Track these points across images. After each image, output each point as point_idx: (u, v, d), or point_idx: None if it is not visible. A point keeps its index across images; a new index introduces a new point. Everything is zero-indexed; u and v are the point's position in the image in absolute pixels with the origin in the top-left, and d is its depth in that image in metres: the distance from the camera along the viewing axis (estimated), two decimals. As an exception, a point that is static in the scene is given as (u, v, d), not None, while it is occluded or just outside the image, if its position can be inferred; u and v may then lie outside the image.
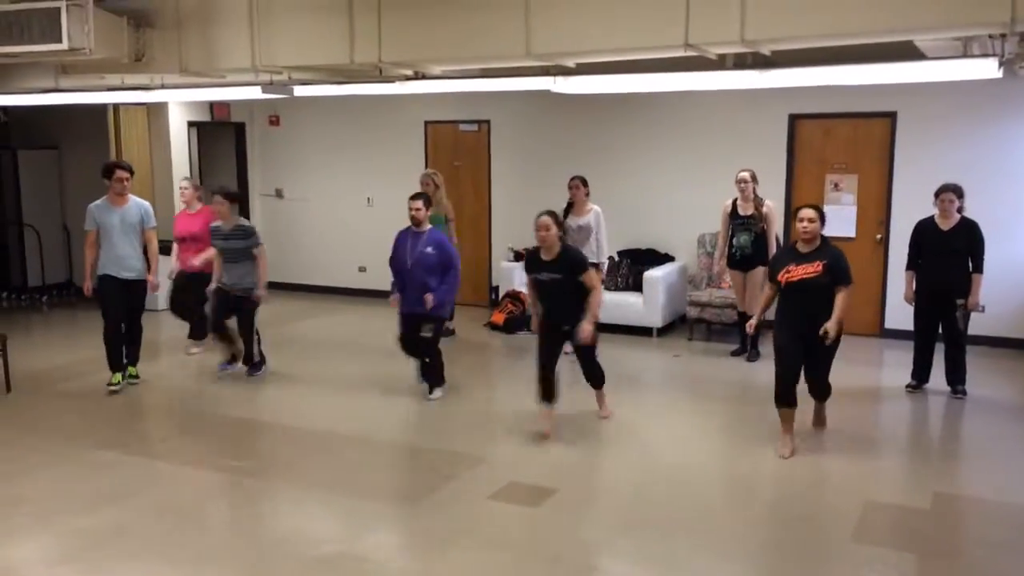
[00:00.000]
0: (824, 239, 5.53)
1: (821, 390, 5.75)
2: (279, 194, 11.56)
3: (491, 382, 7.92)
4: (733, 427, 6.17)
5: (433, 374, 6.80)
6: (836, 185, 8.80)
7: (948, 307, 6.59)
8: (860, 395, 6.88)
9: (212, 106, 11.06)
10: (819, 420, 5.96)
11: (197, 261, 7.81)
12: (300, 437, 6.03)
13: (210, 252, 7.45)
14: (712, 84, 6.20)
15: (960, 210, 6.60)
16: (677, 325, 9.16)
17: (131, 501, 4.92)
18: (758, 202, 7.77)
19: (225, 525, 4.80)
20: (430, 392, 6.77)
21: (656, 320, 8.85)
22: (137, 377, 7.16)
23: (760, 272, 7.27)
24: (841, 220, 8.75)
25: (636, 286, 9.01)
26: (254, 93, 7.19)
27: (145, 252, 6.95)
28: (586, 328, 5.69)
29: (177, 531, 4.58)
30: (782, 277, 5.44)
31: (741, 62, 5.46)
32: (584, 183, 8.08)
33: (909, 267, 6.85)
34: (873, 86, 7.78)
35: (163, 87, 7.63)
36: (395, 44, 5.44)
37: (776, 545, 4.45)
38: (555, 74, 6.17)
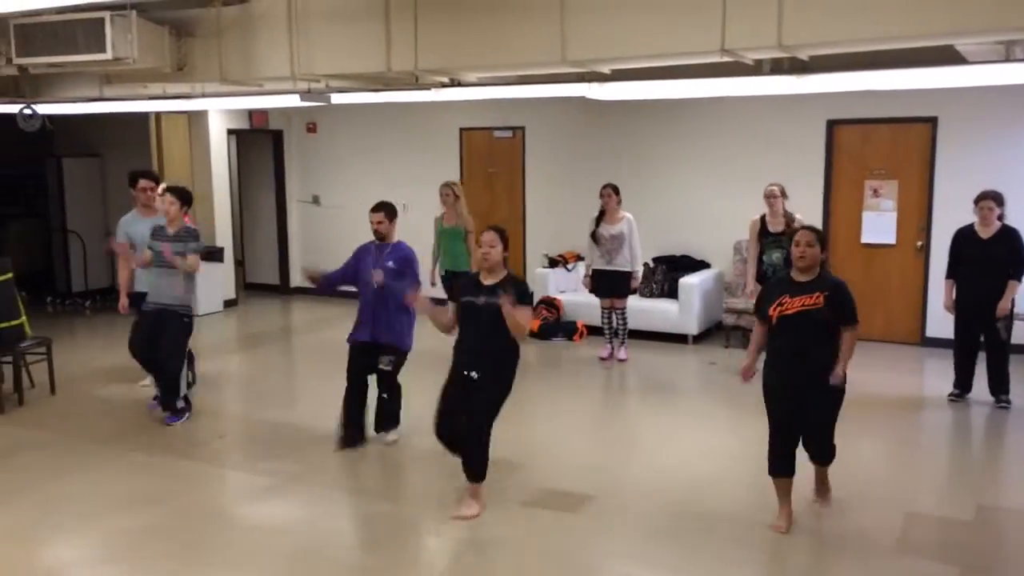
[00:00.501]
0: (824, 267, 4.59)
1: (823, 452, 4.69)
2: (316, 201, 11.67)
3: (525, 389, 7.90)
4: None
5: (391, 412, 5.95)
6: (875, 191, 8.69)
7: (989, 316, 6.46)
8: (901, 404, 6.78)
9: (251, 114, 11.22)
10: (822, 490, 4.88)
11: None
12: (325, 439, 6.06)
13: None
14: (749, 90, 6.15)
15: (1001, 218, 6.48)
16: (713, 332, 9.09)
17: (169, 503, 4.98)
18: (789, 217, 7.25)
19: (260, 528, 4.85)
20: (386, 434, 5.94)
21: (692, 327, 8.79)
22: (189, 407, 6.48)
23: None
24: (881, 227, 8.64)
25: (671, 293, 8.96)
26: (292, 101, 7.28)
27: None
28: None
29: (214, 534, 4.63)
30: (774, 311, 4.49)
31: (778, 67, 5.42)
32: (616, 191, 7.95)
33: (949, 275, 6.72)
34: (913, 91, 7.67)
35: (204, 95, 7.74)
36: (431, 52, 5.47)
37: (815, 557, 4.39)
38: (590, 80, 6.17)
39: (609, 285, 8.04)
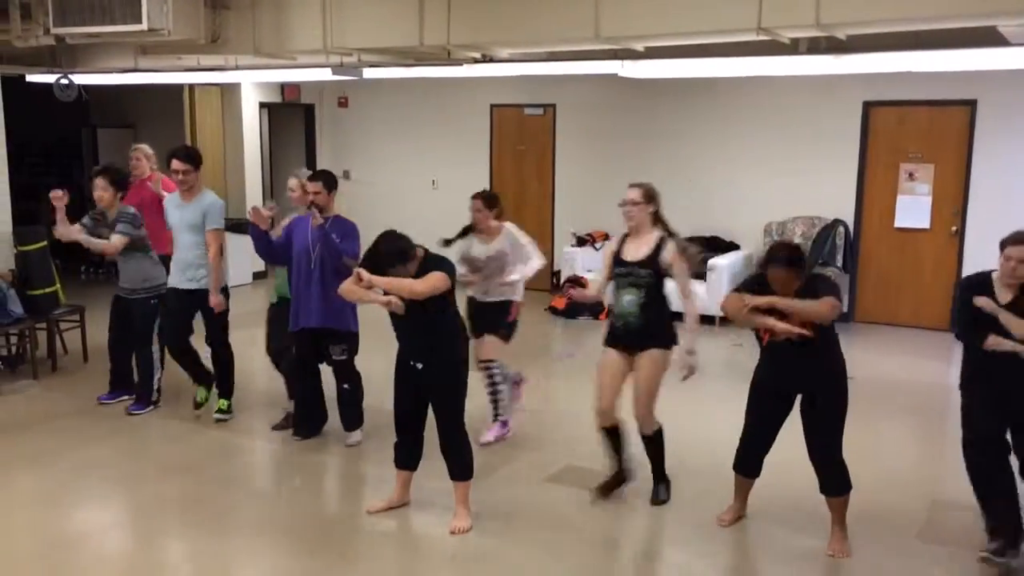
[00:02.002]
0: (811, 277, 4.13)
1: (833, 477, 4.16)
2: (346, 176, 11.71)
3: (550, 366, 7.93)
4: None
5: (352, 408, 5.46)
6: (911, 175, 8.56)
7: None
8: (929, 391, 6.71)
9: (283, 87, 11.26)
10: (839, 535, 4.19)
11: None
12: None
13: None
14: (784, 69, 6.08)
15: None
16: (740, 314, 9.03)
17: (200, 471, 5.07)
18: (660, 240, 4.57)
19: (289, 498, 4.92)
20: (349, 435, 5.48)
21: (718, 308, 8.73)
22: (228, 411, 5.92)
23: (659, 362, 4.58)
24: (915, 211, 8.53)
25: (699, 274, 8.91)
26: (324, 75, 7.30)
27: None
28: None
29: (243, 502, 4.70)
30: (764, 334, 4.18)
31: (815, 47, 5.35)
32: (489, 202, 5.49)
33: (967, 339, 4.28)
34: (952, 73, 7.52)
35: (237, 68, 7.78)
36: (464, 26, 5.45)
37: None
38: (623, 58, 6.12)
39: (482, 322, 5.49)
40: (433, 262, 4.17)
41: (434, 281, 4.06)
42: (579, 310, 9.10)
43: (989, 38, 5.07)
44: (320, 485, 5.08)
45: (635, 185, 4.62)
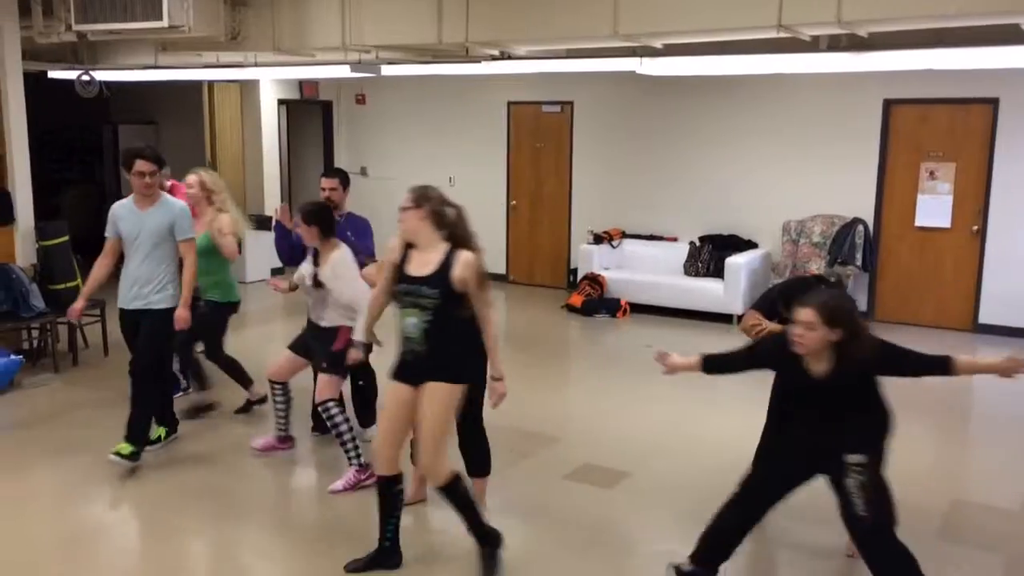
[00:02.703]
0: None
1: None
2: (363, 172, 11.75)
3: (567, 364, 7.93)
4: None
5: (367, 404, 5.43)
6: (932, 173, 8.49)
7: None
8: (950, 392, 6.66)
9: (301, 84, 11.30)
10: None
11: None
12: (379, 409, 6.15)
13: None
14: (804, 67, 6.05)
15: None
16: (758, 313, 9.00)
17: (223, 463, 5.10)
18: (448, 253, 3.71)
19: (309, 492, 4.94)
20: (365, 431, 5.32)
21: (737, 307, 8.71)
22: (123, 457, 4.83)
23: (443, 400, 3.72)
24: (936, 210, 8.46)
25: (717, 272, 8.88)
26: (343, 72, 7.33)
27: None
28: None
29: (266, 496, 4.73)
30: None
31: (835, 44, 5.32)
32: (317, 217, 4.68)
33: None
34: (974, 71, 7.47)
35: (256, 65, 7.83)
36: (483, 24, 5.46)
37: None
38: (641, 55, 6.12)
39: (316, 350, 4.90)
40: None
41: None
42: (596, 308, 9.09)
43: (1012, 36, 5.03)
44: (338, 476, 5.09)
45: (410, 190, 3.82)
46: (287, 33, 6.34)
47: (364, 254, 5.06)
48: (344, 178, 5.40)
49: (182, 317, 4.87)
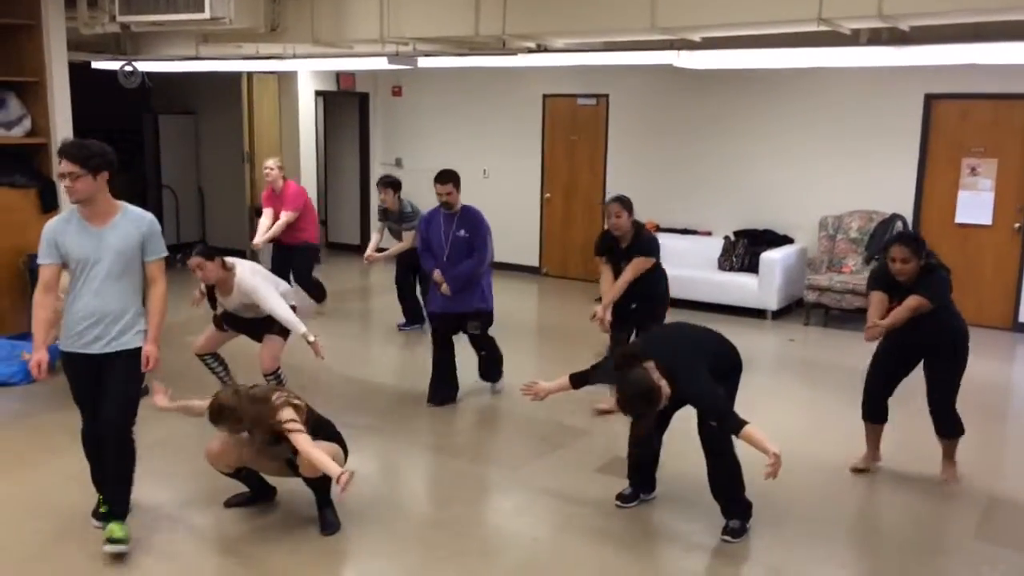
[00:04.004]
0: (927, 267, 4.61)
1: (948, 422, 4.83)
2: (398, 163, 11.82)
3: (599, 357, 7.92)
4: (849, 416, 5.99)
5: (492, 368, 6.20)
6: (973, 170, 8.37)
7: None
8: (990, 390, 6.57)
9: (338, 76, 11.39)
10: (948, 466, 4.93)
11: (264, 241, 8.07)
12: (413, 399, 6.21)
13: (279, 224, 7.82)
14: (844, 61, 5.97)
15: None
16: (793, 309, 8.94)
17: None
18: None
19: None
20: (493, 384, 6.27)
21: (771, 303, 8.66)
22: (121, 542, 3.91)
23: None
24: (977, 207, 8.34)
25: (752, 267, 8.83)
26: (380, 64, 7.38)
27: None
28: None
29: (290, 481, 4.79)
30: (885, 312, 4.67)
31: (876, 38, 5.25)
32: (209, 255, 5.25)
33: None
34: (1017, 65, 7.34)
35: (295, 56, 7.91)
36: (520, 16, 5.47)
37: (892, 538, 4.33)
38: (679, 48, 6.08)
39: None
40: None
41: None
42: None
43: (1058, 30, 4.95)
44: (373, 469, 5.15)
45: None
46: (326, 25, 6.39)
47: (478, 249, 5.76)
48: (457, 180, 5.86)
49: (153, 355, 3.95)
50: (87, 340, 3.89)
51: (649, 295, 5.89)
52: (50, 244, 3.87)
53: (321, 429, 4.21)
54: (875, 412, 4.98)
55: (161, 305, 4.03)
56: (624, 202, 5.65)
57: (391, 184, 7.84)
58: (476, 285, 5.86)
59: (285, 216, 7.98)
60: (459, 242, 5.80)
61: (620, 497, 4.54)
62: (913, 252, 4.53)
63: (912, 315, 4.52)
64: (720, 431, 4.05)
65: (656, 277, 5.90)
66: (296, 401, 4.09)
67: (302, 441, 3.91)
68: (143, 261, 3.96)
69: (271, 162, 8.14)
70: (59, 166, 3.85)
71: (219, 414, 3.99)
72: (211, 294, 5.55)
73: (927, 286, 4.55)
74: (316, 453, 3.90)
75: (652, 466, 4.57)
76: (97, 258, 3.84)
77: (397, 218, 7.83)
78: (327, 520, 4.21)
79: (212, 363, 5.86)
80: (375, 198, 11.57)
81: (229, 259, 5.34)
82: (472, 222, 5.84)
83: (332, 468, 3.86)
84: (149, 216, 4.02)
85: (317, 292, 8.55)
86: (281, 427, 3.93)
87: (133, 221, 3.95)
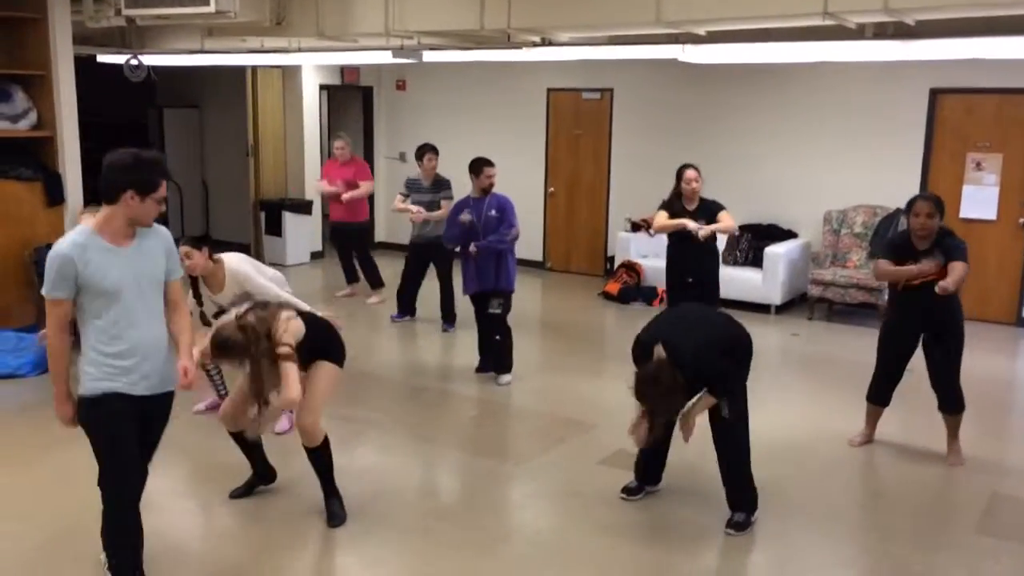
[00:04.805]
0: (942, 230, 4.84)
1: (951, 397, 5.02)
2: (402, 158, 11.82)
3: (603, 351, 7.95)
4: (852, 410, 6.01)
5: (502, 356, 6.41)
6: (978, 164, 8.35)
7: None
8: (993, 386, 6.58)
9: (343, 70, 11.39)
10: (953, 446, 5.08)
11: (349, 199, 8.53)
12: (416, 392, 6.23)
13: (359, 191, 8.48)
14: (850, 55, 5.99)
15: None
16: (797, 303, 8.94)
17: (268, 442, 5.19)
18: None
19: (338, 471, 5.02)
20: (499, 377, 6.39)
21: (775, 297, 8.66)
22: None
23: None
24: (981, 201, 8.33)
25: (756, 262, 8.83)
26: (385, 58, 7.39)
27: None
28: None
29: (293, 475, 4.81)
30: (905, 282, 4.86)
31: (881, 32, 5.26)
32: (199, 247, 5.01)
33: None
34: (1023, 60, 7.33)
35: (299, 50, 7.91)
36: (524, 10, 5.48)
37: (894, 531, 4.34)
38: (684, 42, 6.09)
39: None
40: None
41: None
42: (632, 296, 9.10)
43: (1065, 24, 4.94)
44: (373, 461, 5.17)
45: None
46: (331, 19, 6.40)
47: (506, 231, 6.24)
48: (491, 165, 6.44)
49: (192, 369, 3.47)
50: (134, 378, 3.29)
51: (712, 276, 6.44)
52: (64, 276, 3.16)
53: (319, 335, 4.22)
54: (881, 395, 5.19)
55: (190, 324, 3.57)
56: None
57: (435, 149, 7.96)
58: (504, 264, 6.26)
59: (365, 186, 8.63)
60: (491, 221, 6.26)
61: (626, 490, 4.55)
62: (936, 208, 4.75)
63: (957, 286, 4.66)
64: (730, 410, 4.12)
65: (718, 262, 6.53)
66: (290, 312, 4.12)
67: (288, 368, 3.91)
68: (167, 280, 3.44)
69: (340, 142, 8.82)
70: (159, 191, 3.32)
71: (223, 344, 3.92)
72: (195, 289, 5.21)
73: (952, 250, 4.73)
74: (293, 378, 3.90)
75: (660, 463, 4.57)
76: (131, 284, 3.25)
77: (433, 187, 7.83)
78: (333, 512, 4.24)
79: (212, 371, 5.50)
80: (380, 192, 11.59)
81: (217, 254, 5.06)
82: (501, 203, 6.32)
83: (293, 395, 3.89)
84: (164, 229, 3.48)
85: (376, 276, 8.89)
86: (279, 338, 3.91)
87: (155, 236, 3.40)
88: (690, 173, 6.22)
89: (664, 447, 4.48)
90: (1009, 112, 8.18)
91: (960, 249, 4.78)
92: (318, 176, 11.40)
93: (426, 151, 7.94)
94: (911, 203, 4.86)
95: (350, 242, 8.98)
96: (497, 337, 6.37)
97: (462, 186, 6.81)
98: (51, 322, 3.23)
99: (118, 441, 3.31)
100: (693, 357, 3.91)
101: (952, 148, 8.44)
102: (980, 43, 5.21)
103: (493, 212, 6.28)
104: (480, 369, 6.59)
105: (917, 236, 4.81)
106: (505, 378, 6.38)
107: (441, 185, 7.85)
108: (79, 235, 3.23)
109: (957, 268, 4.66)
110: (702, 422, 4.22)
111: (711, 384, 4.06)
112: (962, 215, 8.43)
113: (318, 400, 4.17)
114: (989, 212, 8.31)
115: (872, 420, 5.32)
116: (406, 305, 8.16)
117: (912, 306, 4.88)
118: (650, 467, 4.57)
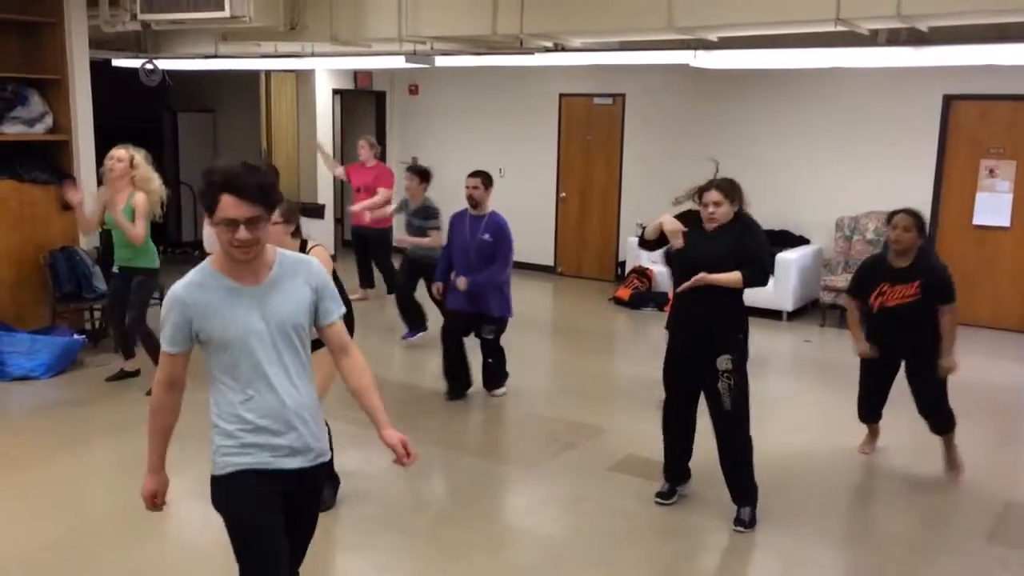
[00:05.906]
0: (922, 249, 4.68)
1: (940, 421, 4.88)
2: (414, 162, 11.86)
3: (613, 356, 7.95)
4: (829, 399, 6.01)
5: (494, 377, 6.19)
6: (991, 171, 8.31)
7: None
8: (1006, 393, 6.54)
9: (356, 75, 11.44)
10: (951, 461, 4.97)
11: (363, 209, 8.43)
12: (424, 396, 6.24)
13: (377, 198, 8.23)
14: (863, 61, 5.96)
15: None
16: (809, 310, 8.91)
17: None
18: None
19: (349, 474, 5.04)
20: (493, 390, 6.20)
21: (787, 304, 8.64)
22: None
23: None
24: (995, 208, 8.29)
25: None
26: (398, 62, 7.41)
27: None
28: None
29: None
30: (875, 300, 4.74)
31: (894, 38, 5.25)
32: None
33: None
34: (1039, 66, 7.29)
35: (313, 55, 7.95)
36: (537, 15, 5.49)
37: (905, 538, 4.32)
38: (696, 48, 6.09)
39: None
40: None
41: None
42: (643, 301, 9.09)
43: (1079, 31, 4.92)
44: (382, 466, 5.19)
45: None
46: (344, 24, 6.43)
47: (500, 264, 5.84)
48: (486, 178, 5.99)
49: (407, 442, 2.86)
50: (280, 453, 2.65)
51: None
52: (179, 325, 2.59)
53: None
54: (870, 414, 5.14)
55: (371, 379, 2.85)
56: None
57: (419, 172, 7.27)
58: (499, 290, 5.92)
59: (382, 193, 8.46)
60: (483, 245, 5.85)
61: (659, 495, 4.55)
62: (916, 223, 4.60)
63: (952, 335, 4.64)
64: (731, 401, 4.26)
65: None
66: None
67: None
68: (317, 326, 2.72)
69: (360, 141, 8.87)
70: (221, 209, 2.52)
71: None
72: None
73: (937, 282, 4.60)
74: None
75: (686, 456, 4.57)
76: (263, 332, 2.58)
77: (420, 214, 7.22)
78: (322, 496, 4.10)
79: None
80: (392, 197, 11.59)
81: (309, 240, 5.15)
82: (497, 228, 5.87)
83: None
84: (314, 261, 2.73)
85: (393, 280, 8.61)
86: None
87: (298, 270, 2.66)
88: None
89: (685, 444, 4.53)
90: (1023, 119, 8.14)
91: (948, 287, 4.63)
92: (332, 180, 11.52)
93: (407, 171, 7.44)
94: (890, 216, 4.75)
95: (371, 248, 8.87)
96: (490, 360, 6.11)
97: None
98: (158, 376, 2.79)
99: (256, 532, 2.60)
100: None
101: (965, 154, 8.41)
102: (993, 49, 5.19)
103: (487, 236, 5.85)
104: (451, 396, 6.10)
105: (894, 251, 4.69)
106: (499, 391, 6.20)
107: (429, 213, 7.17)
108: (197, 273, 2.61)
109: (947, 327, 4.64)
110: (702, 423, 4.22)
111: (751, 261, 4.47)
112: (976, 222, 8.40)
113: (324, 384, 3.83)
114: (1003, 219, 8.27)
115: (872, 434, 5.28)
116: (412, 321, 7.65)
117: (886, 330, 4.77)
118: (679, 464, 4.57)
